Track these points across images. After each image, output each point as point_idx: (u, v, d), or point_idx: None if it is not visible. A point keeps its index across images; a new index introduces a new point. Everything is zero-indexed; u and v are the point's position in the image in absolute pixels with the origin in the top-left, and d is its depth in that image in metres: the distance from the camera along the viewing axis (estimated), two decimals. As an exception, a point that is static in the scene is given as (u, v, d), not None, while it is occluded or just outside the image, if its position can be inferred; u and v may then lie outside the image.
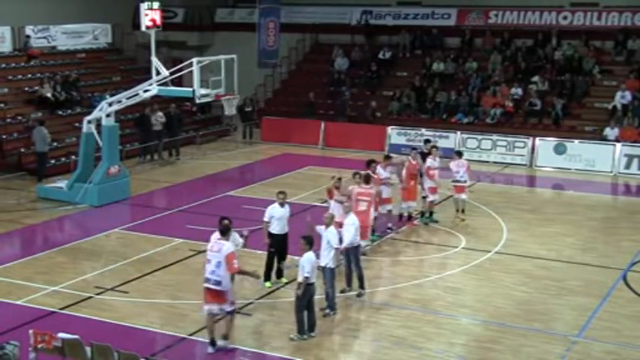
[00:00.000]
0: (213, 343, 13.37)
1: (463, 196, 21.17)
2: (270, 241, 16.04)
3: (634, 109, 29.02)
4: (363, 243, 16.83)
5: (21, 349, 11.59)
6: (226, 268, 12.98)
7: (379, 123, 31.36)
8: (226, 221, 13.76)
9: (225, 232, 13.53)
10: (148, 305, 15.44)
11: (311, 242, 13.84)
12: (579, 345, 14.00)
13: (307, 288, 13.70)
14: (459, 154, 21.95)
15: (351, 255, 15.77)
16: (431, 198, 20.87)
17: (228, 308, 13.29)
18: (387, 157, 20.57)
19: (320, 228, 14.93)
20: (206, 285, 13.20)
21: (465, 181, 21.16)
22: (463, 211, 21.28)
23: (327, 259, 14.65)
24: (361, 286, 15.95)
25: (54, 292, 16.04)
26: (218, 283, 13.06)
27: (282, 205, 16.12)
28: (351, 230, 15.54)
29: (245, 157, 29.84)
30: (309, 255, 13.66)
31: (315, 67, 36.73)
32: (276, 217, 15.99)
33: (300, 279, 13.63)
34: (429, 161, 20.81)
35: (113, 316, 14.83)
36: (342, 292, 15.88)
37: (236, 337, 14.00)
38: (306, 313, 13.90)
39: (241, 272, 13.52)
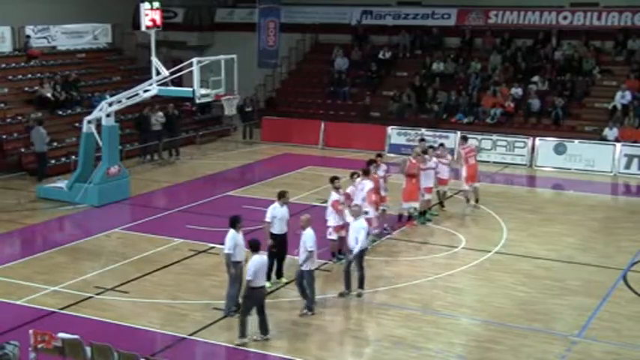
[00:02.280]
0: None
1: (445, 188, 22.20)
2: (272, 242, 16.06)
3: (634, 109, 29.01)
4: (477, 184, 22.52)
5: (21, 349, 11.61)
6: (367, 201, 17.50)
7: (379, 123, 31.38)
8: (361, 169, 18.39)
9: (367, 173, 18.17)
10: (148, 305, 15.45)
11: (255, 246, 13.72)
12: (579, 345, 14.00)
13: (252, 291, 13.59)
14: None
15: (353, 255, 15.74)
16: (427, 197, 20.88)
17: (374, 231, 17.93)
18: (379, 156, 20.48)
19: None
20: None
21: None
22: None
23: (304, 261, 14.64)
24: (361, 286, 15.94)
25: (54, 292, 16.05)
26: (366, 212, 17.08)
27: (282, 205, 16.14)
28: (362, 234, 15.59)
29: (245, 157, 29.83)
30: (254, 258, 13.63)
31: (315, 67, 36.70)
32: (278, 217, 16.01)
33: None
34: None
35: (113, 316, 14.84)
36: (340, 295, 15.80)
37: (235, 337, 14.01)
38: (256, 316, 13.82)
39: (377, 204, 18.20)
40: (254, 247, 13.77)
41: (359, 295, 15.84)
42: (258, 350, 13.60)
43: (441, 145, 22.68)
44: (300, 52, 37.70)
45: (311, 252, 14.67)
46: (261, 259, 13.73)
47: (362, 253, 15.84)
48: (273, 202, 16.45)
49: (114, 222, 20.91)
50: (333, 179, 17.49)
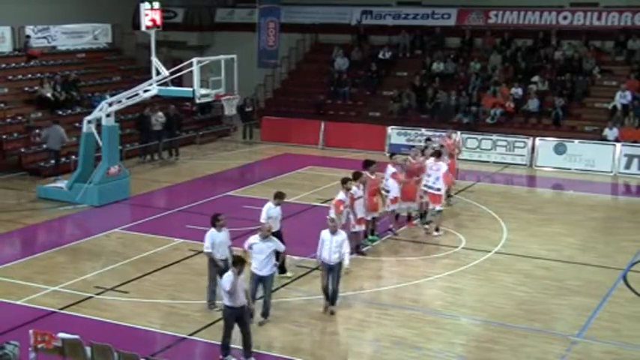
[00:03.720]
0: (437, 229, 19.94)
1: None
2: None
3: (634, 109, 29.01)
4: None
5: (21, 349, 11.60)
6: (443, 179, 19.74)
7: (379, 123, 31.38)
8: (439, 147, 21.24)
9: (439, 155, 20.18)
10: (148, 305, 15.45)
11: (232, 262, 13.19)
12: (579, 345, 14.00)
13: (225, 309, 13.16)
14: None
15: (335, 271, 15.07)
16: (425, 199, 20.80)
17: (439, 207, 19.88)
18: (393, 155, 20.73)
19: (253, 242, 14.36)
20: (430, 191, 19.81)
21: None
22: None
23: (266, 269, 14.34)
24: (332, 302, 15.12)
25: (54, 292, 16.05)
26: (438, 189, 19.78)
27: (277, 204, 16.24)
28: (348, 246, 15.30)
29: (245, 157, 29.83)
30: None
31: (315, 67, 36.69)
32: (274, 217, 16.03)
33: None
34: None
35: (113, 316, 14.84)
36: (331, 313, 15.07)
37: (236, 337, 14.01)
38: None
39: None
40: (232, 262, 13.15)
41: (332, 313, 15.06)
42: (257, 350, 13.59)
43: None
44: (300, 52, 37.69)
45: (285, 251, 14.73)
46: (227, 275, 12.85)
47: (340, 266, 15.11)
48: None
49: (114, 222, 20.90)
50: (345, 180, 17.49)
